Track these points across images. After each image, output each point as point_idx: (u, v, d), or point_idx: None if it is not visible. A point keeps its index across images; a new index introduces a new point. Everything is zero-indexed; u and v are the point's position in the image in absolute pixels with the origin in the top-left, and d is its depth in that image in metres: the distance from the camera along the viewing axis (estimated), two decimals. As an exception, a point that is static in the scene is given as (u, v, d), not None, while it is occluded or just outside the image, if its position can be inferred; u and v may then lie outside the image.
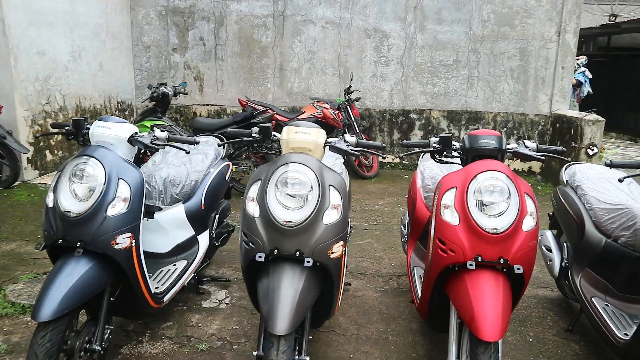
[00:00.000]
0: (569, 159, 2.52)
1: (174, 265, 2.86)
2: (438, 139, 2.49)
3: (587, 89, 10.21)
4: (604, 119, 6.43)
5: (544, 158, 2.42)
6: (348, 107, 6.77)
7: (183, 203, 2.95)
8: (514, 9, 6.96)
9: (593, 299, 2.75)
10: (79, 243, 2.14)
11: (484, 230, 2.15)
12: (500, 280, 2.15)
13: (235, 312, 3.15)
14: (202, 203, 3.02)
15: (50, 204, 2.21)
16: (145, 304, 2.45)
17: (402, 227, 3.54)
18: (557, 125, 7.15)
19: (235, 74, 7.31)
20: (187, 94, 6.32)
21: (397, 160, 7.58)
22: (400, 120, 7.43)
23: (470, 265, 2.13)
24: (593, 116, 6.40)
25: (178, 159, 3.11)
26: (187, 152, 2.47)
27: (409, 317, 3.19)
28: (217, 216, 3.27)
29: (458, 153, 2.45)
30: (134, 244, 2.26)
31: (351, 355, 2.75)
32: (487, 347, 2.00)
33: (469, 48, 7.13)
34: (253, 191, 2.22)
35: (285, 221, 2.09)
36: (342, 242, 2.19)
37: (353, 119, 6.73)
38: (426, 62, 7.21)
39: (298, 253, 2.10)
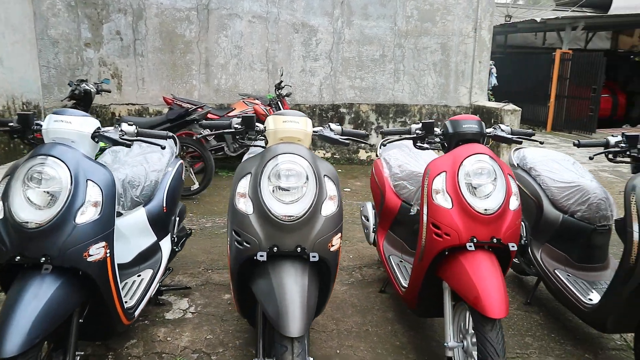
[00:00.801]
0: (541, 141, 2.66)
1: (139, 275, 2.58)
2: (420, 125, 2.49)
3: (493, 80, 11.02)
4: (520, 109, 6.96)
5: (520, 140, 2.52)
6: (279, 102, 6.65)
7: (144, 206, 2.67)
8: (435, 6, 7.29)
9: (556, 270, 2.93)
10: (44, 258, 1.83)
11: (477, 211, 2.18)
12: (494, 259, 2.20)
13: (204, 320, 2.92)
14: (164, 205, 2.76)
15: (0, 215, 1.87)
16: (118, 322, 2.18)
17: (364, 219, 3.52)
18: (478, 115, 7.60)
19: (157, 70, 6.86)
20: (110, 92, 5.80)
21: (329, 154, 7.61)
22: (330, 115, 7.46)
23: (470, 246, 2.16)
24: (510, 106, 6.90)
25: (132, 158, 2.82)
26: (163, 148, 2.22)
27: (382, 307, 3.18)
28: (178, 219, 3.02)
29: (439, 139, 2.47)
30: (108, 254, 1.99)
31: (337, 351, 2.68)
32: (494, 324, 2.03)
33: (394, 43, 7.34)
34: (243, 186, 2.06)
35: (284, 216, 1.96)
36: (339, 234, 2.11)
37: (285, 115, 6.65)
38: (354, 57, 7.31)
39: (299, 249, 1.98)
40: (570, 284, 2.79)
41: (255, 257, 2.00)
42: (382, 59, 7.39)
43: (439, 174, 2.29)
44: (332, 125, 2.34)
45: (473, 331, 2.22)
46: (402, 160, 3.17)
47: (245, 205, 2.02)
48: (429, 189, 2.30)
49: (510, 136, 2.50)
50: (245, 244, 2.00)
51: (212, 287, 3.36)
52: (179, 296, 3.21)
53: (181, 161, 3.16)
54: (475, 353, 2.18)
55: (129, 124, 2.16)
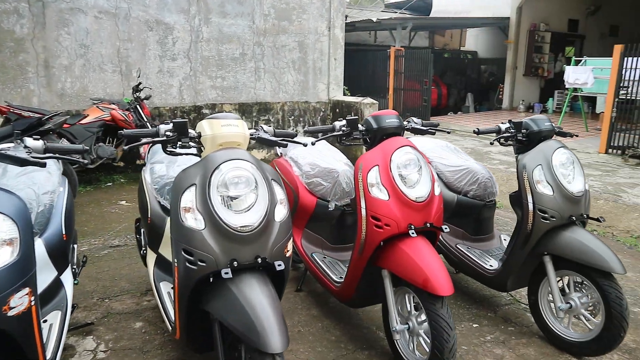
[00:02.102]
0: (448, 131, 2.92)
1: (45, 321, 2.17)
2: (345, 122, 2.54)
3: None
4: (377, 102, 7.51)
5: (433, 131, 2.74)
6: (138, 106, 6.14)
7: (40, 236, 2.24)
8: (291, 5, 7.43)
9: (457, 245, 3.26)
10: None
11: (411, 200, 2.32)
12: (429, 242, 2.37)
13: (122, 358, 2.58)
14: (63, 232, 2.36)
15: None
16: (39, 380, 1.80)
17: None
18: (337, 109, 8.00)
19: (-21, 74, 5.74)
20: None
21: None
22: (193, 117, 7.12)
23: (413, 233, 2.28)
24: (368, 100, 7.41)
25: (13, 179, 2.33)
26: (43, 165, 1.77)
27: (305, 306, 3.19)
28: (76, 246, 2.60)
29: (362, 134, 2.55)
30: (33, 303, 1.63)
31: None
32: (443, 302, 2.19)
33: (253, 41, 7.29)
34: (188, 200, 1.87)
35: (241, 226, 1.84)
36: (292, 239, 2.05)
37: (145, 119, 6.16)
38: (214, 56, 7.07)
39: (260, 259, 1.88)
40: (472, 255, 3.14)
41: (210, 276, 1.85)
42: (242, 58, 7.30)
43: (372, 168, 2.37)
44: (265, 127, 2.26)
45: (417, 312, 2.37)
46: (311, 158, 3.19)
47: (194, 220, 1.84)
48: (364, 183, 2.36)
49: (424, 128, 2.71)
50: (199, 263, 1.82)
51: (116, 317, 2.98)
52: (79, 336, 2.78)
53: (66, 178, 2.72)
54: (422, 331, 2.34)
55: (34, 138, 1.78)
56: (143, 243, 2.88)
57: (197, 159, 2.81)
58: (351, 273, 2.51)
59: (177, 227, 1.87)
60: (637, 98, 8.15)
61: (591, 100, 11.32)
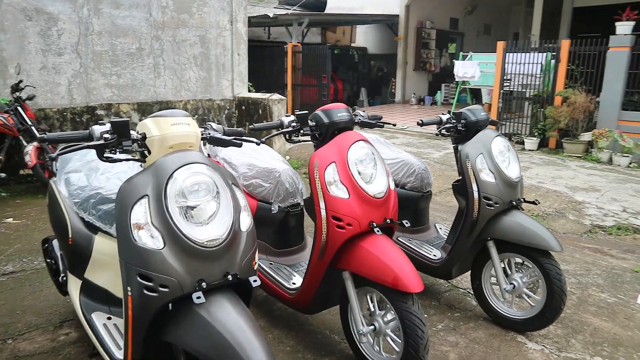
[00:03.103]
0: (394, 124, 2.87)
1: None
2: (293, 117, 2.37)
3: None
4: (285, 98, 7.37)
5: (382, 124, 2.67)
6: (19, 108, 5.36)
7: None
8: (190, -4, 6.98)
9: (399, 238, 3.25)
10: None
11: (372, 196, 2.23)
12: (390, 239, 2.30)
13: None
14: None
15: None
16: None
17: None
18: (243, 107, 7.72)
19: None
20: None
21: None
22: (86, 119, 6.40)
23: (378, 231, 2.19)
24: (276, 96, 7.24)
25: None
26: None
27: (249, 317, 2.96)
28: None
29: (312, 130, 2.40)
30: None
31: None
32: (413, 298, 2.13)
33: (151, 35, 6.74)
34: (140, 215, 1.58)
35: (207, 241, 1.61)
36: (257, 250, 1.85)
37: (29, 123, 5.39)
38: (107, 51, 6.41)
39: (230, 276, 1.65)
40: (414, 246, 3.15)
41: (169, 304, 1.60)
42: (139, 53, 6.71)
43: (328, 165, 2.24)
44: (214, 125, 2.01)
45: (382, 311, 2.30)
46: (246, 159, 2.97)
47: (150, 238, 1.56)
48: (322, 181, 2.22)
49: (373, 121, 2.63)
50: (160, 289, 1.55)
51: None
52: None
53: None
54: (389, 330, 2.27)
55: None
56: (61, 268, 2.45)
57: (135, 165, 2.46)
58: (310, 278, 2.36)
59: (127, 248, 1.58)
60: (517, 90, 8.98)
61: (475, 93, 12.29)
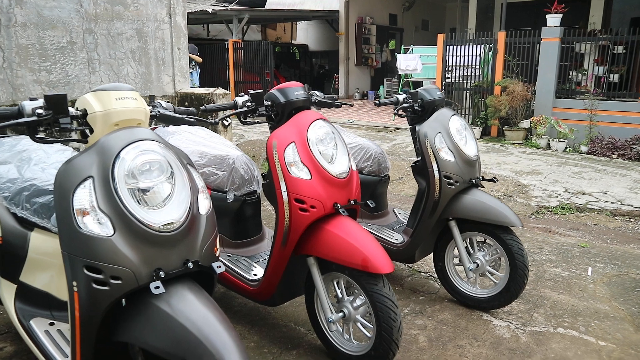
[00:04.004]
0: (351, 104, 2.77)
1: None
2: (248, 97, 2.22)
3: (196, 81, 10.96)
4: (229, 92, 7.14)
5: (340, 104, 2.57)
6: None
7: None
8: (124, -13, 6.59)
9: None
10: None
11: (335, 177, 2.13)
12: (355, 221, 2.20)
13: None
14: None
15: None
16: None
17: None
18: (186, 103, 7.40)
19: None
20: None
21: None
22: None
23: (344, 212, 2.09)
24: (220, 90, 6.99)
25: None
26: None
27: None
28: None
29: (268, 110, 2.26)
30: None
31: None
32: (384, 281, 2.05)
33: (83, 28, 6.30)
34: (84, 200, 1.39)
35: (164, 225, 1.44)
36: (218, 236, 1.70)
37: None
38: (34, 44, 5.92)
39: (191, 264, 1.49)
40: (375, 232, 3.07)
41: (122, 300, 1.42)
42: (71, 47, 6.25)
43: (288, 146, 2.11)
44: (163, 103, 1.83)
45: (350, 297, 2.20)
46: (196, 146, 2.78)
47: (97, 225, 1.37)
48: (282, 162, 2.09)
49: (331, 101, 2.53)
50: (112, 281, 1.36)
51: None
52: None
53: None
54: (359, 316, 2.17)
55: None
56: None
57: (69, 149, 2.22)
58: (273, 268, 2.22)
59: (70, 238, 1.38)
60: (457, 81, 9.21)
61: (417, 86, 12.53)
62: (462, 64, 8.92)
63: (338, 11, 14.51)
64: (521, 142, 8.11)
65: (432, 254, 2.99)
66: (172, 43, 7.26)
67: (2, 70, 5.74)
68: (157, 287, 1.36)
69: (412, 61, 10.11)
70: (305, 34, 17.86)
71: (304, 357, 2.37)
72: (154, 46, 7.08)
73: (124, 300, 1.47)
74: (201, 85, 9.48)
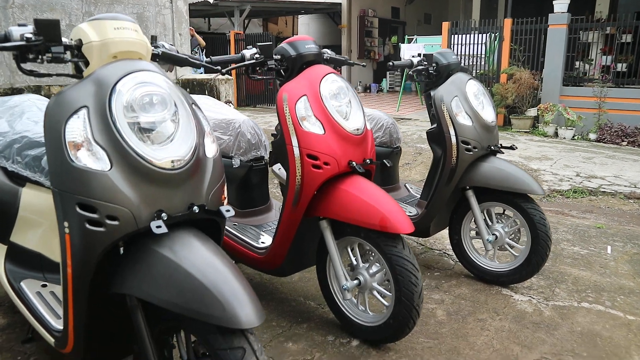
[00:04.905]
0: (364, 64, 2.64)
1: None
2: (256, 50, 2.07)
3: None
4: (232, 78, 7.00)
5: (352, 63, 2.43)
6: None
7: None
8: (124, -31, 6.45)
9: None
10: None
11: (350, 133, 1.99)
12: (371, 181, 2.06)
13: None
14: None
15: None
16: None
17: None
18: (188, 89, 7.26)
19: None
20: None
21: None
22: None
23: (360, 168, 1.95)
24: (225, 76, 6.85)
25: None
26: None
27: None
28: None
29: (277, 64, 2.12)
30: None
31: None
32: (403, 242, 1.91)
33: (83, 11, 6.16)
34: (77, 131, 1.24)
35: (167, 162, 1.29)
36: (226, 184, 1.55)
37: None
38: (31, 27, 5.78)
39: (196, 208, 1.34)
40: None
41: (118, 244, 1.28)
42: (70, 30, 6.10)
43: (299, 99, 1.96)
44: (166, 44, 1.69)
45: (365, 264, 2.06)
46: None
47: (93, 158, 1.23)
48: (293, 116, 1.94)
49: (343, 59, 2.39)
50: (108, 221, 1.22)
51: None
52: None
53: None
54: (375, 284, 2.03)
55: None
56: None
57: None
58: (283, 231, 2.07)
59: (62, 173, 1.23)
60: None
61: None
62: (467, 53, 8.77)
63: (340, 4, 14.36)
64: (528, 130, 7.96)
65: (446, 230, 2.85)
66: (174, 29, 7.12)
67: (1, 52, 5.59)
68: (158, 227, 1.21)
69: (416, 51, 9.96)
70: (307, 29, 17.70)
71: (316, 330, 2.23)
72: (155, 31, 6.93)
73: (121, 249, 1.33)
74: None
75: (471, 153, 2.53)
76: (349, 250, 2.10)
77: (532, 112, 8.00)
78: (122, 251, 1.32)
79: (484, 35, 8.65)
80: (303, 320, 2.31)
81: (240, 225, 2.48)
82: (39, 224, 1.76)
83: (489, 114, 2.64)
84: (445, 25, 9.04)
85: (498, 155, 2.66)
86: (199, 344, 1.38)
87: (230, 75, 9.94)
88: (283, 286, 2.66)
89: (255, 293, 1.25)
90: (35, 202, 1.75)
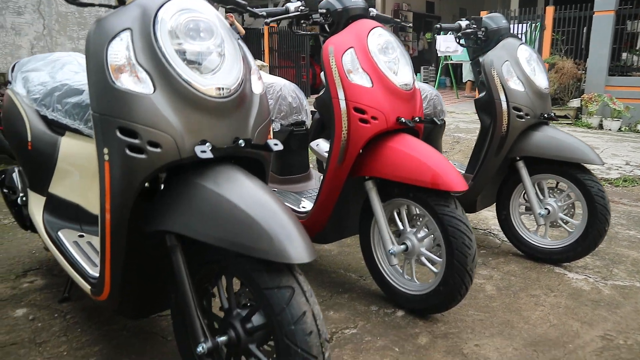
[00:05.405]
0: (410, 24, 2.54)
1: None
2: (301, 2, 1.99)
3: None
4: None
5: (400, 22, 2.33)
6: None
7: None
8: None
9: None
10: None
11: (399, 88, 1.88)
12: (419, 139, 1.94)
13: (2, 356, 1.73)
14: None
15: None
16: None
17: None
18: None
19: None
20: None
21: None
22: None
23: (410, 123, 1.84)
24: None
25: None
26: None
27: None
28: None
29: (323, 18, 2.02)
30: None
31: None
32: (456, 203, 1.79)
33: (120, -3, 6.23)
34: (120, 53, 1.18)
35: (214, 89, 1.21)
36: (272, 124, 1.47)
37: (-15, 88, 4.86)
38: (73, 12, 5.88)
39: (243, 142, 1.26)
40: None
41: (158, 178, 1.20)
42: (108, 16, 6.19)
43: (346, 51, 1.86)
44: (210, -14, 1.61)
45: (414, 229, 1.94)
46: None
47: (135, 81, 1.15)
48: (340, 68, 1.85)
49: (390, 17, 2.29)
50: (149, 148, 1.14)
51: None
52: None
53: None
54: (423, 249, 1.91)
55: None
56: (20, 187, 2.00)
57: None
58: (326, 193, 1.97)
59: (102, 95, 1.16)
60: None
61: (456, 72, 12.09)
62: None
63: (374, -2, 14.20)
64: (570, 122, 7.63)
65: (488, 210, 2.70)
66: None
67: (43, 37, 5.71)
68: (203, 152, 1.13)
69: (452, 42, 9.72)
70: (339, 25, 17.61)
71: (358, 300, 2.12)
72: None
73: (162, 186, 1.26)
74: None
75: (523, 120, 2.38)
76: (396, 214, 1.99)
77: (575, 102, 7.67)
78: (162, 187, 1.25)
79: (524, 25, 8.35)
80: (344, 290, 2.21)
81: (280, 192, 2.39)
82: (76, 174, 1.72)
83: (542, 80, 2.48)
84: (483, 15, 8.77)
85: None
86: (240, 295, 1.30)
87: (276, 27, 9.86)
88: (322, 259, 2.57)
89: (304, 229, 1.16)
90: (74, 151, 1.71)
